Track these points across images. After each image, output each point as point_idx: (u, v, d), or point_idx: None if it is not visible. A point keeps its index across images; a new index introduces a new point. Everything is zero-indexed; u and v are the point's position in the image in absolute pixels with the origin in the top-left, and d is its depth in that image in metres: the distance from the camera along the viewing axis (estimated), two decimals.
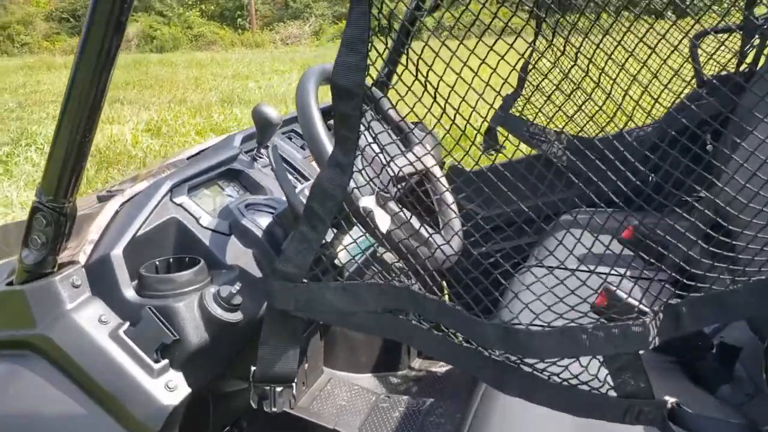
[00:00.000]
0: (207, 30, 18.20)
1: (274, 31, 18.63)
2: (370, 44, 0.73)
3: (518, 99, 2.04)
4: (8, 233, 1.43)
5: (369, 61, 0.74)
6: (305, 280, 0.82)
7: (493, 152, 2.09)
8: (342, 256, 0.99)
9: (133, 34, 17.77)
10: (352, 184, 0.79)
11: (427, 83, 0.74)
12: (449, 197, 1.31)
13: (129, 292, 0.95)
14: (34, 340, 0.91)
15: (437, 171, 1.37)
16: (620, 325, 0.68)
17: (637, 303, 0.74)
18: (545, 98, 1.95)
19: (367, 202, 0.85)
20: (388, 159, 0.80)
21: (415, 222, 0.97)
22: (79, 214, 1.10)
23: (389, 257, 1.19)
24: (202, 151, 1.38)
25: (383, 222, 0.87)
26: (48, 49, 17.07)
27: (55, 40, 17.81)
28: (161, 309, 0.92)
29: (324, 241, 0.81)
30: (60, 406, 0.91)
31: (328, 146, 0.98)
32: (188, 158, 1.34)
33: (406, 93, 0.75)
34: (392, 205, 0.90)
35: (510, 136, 2.00)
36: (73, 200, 0.90)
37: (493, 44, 0.72)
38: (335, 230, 1.00)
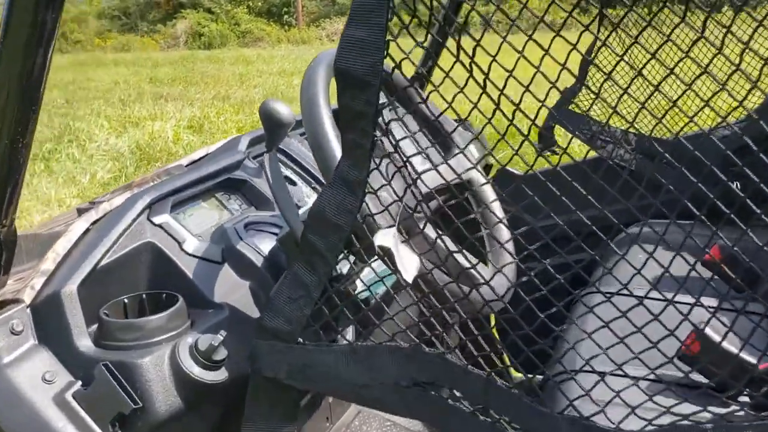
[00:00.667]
0: (254, 27, 18.20)
1: (321, 28, 18.54)
2: (391, 12, 0.51)
3: (578, 93, 1.81)
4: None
5: (389, 36, 0.51)
6: (301, 340, 0.60)
7: (548, 153, 1.85)
8: (351, 306, 0.76)
9: (182, 31, 17.91)
10: (366, 207, 0.56)
11: (473, 70, 0.52)
12: (498, 210, 1.06)
13: (83, 342, 0.76)
14: None
15: (480, 177, 1.13)
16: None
17: (735, 350, 0.57)
18: (612, 92, 1.71)
19: (385, 236, 0.61)
20: (416, 173, 0.58)
21: (458, 256, 0.74)
22: (46, 232, 0.90)
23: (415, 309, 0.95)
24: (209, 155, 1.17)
25: (409, 264, 0.63)
26: (99, 46, 17.31)
27: (107, 37, 18.06)
28: (121, 366, 0.72)
29: (325, 287, 0.59)
30: None
31: (338, 155, 0.75)
32: (188, 165, 1.13)
33: (441, 82, 0.52)
34: (422, 238, 0.67)
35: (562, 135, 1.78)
36: (8, 223, 0.70)
37: (559, 29, 0.52)
38: (341, 270, 0.78)
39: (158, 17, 18.82)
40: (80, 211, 0.99)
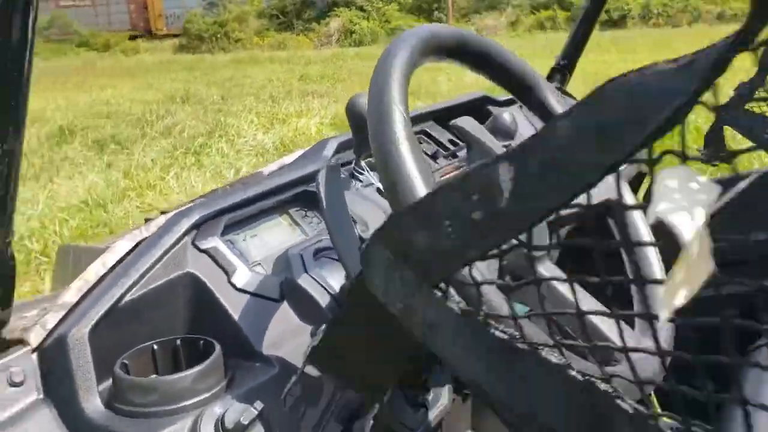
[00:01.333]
0: (404, 23, 18.24)
1: (470, 23, 18.26)
2: None
3: (757, 89, 1.49)
4: (77, 257, 1.14)
5: None
6: None
7: (714, 164, 1.52)
8: None
9: (334, 29, 18.35)
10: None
11: None
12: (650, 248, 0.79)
13: (92, 403, 0.62)
14: None
15: (629, 196, 0.88)
16: None
17: None
18: None
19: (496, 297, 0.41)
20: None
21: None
22: (101, 246, 0.78)
23: None
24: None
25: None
26: (258, 44, 18.13)
27: (265, 36, 18.87)
28: None
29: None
30: None
31: (417, 182, 0.53)
32: (269, 174, 0.99)
33: None
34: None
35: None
36: (1, 248, 0.57)
37: None
38: None
39: (313, 16, 19.40)
40: (147, 221, 0.87)
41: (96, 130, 6.35)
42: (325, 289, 0.70)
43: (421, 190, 0.50)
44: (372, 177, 0.79)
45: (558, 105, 0.75)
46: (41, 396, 0.63)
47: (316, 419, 0.65)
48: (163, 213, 0.90)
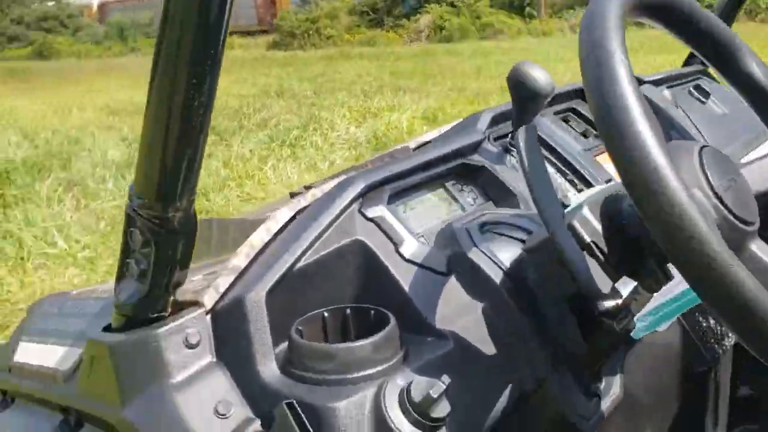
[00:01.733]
0: (495, 19, 18.02)
1: (563, 19, 17.83)
2: None
3: None
4: (222, 228, 1.13)
5: None
6: None
7: None
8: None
9: (424, 25, 18.33)
10: None
11: None
12: None
13: (268, 366, 0.61)
14: (119, 426, 0.61)
15: None
16: None
17: None
18: None
19: None
20: None
21: None
22: (253, 219, 0.78)
23: None
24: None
25: None
26: (348, 41, 18.34)
27: (355, 32, 19.07)
28: (309, 408, 0.57)
29: None
30: None
31: (651, 142, 0.47)
32: (415, 148, 0.96)
33: None
34: None
35: None
36: (186, 206, 0.58)
37: None
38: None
39: (403, 12, 19.44)
40: (292, 196, 0.87)
41: None
42: (496, 264, 0.67)
43: (656, 153, 0.45)
44: (518, 144, 0.75)
45: (765, 78, 0.69)
46: (214, 359, 0.63)
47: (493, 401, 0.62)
48: (307, 188, 0.89)
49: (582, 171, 0.95)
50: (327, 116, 6.87)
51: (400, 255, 0.70)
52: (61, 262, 3.45)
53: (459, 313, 0.66)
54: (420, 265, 0.69)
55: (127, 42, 21.73)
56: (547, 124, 1.02)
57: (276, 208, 0.78)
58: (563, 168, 0.96)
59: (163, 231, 0.58)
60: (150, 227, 0.58)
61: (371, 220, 0.71)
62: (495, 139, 0.93)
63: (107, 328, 0.67)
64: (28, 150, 6.14)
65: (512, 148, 0.90)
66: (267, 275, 0.64)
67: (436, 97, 7.89)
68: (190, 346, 0.62)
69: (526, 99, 0.83)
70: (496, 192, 0.85)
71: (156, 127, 0.54)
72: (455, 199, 0.85)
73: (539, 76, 0.82)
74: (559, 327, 0.65)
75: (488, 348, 0.65)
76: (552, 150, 0.97)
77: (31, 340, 0.90)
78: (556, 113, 1.08)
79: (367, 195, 0.73)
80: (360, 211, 0.72)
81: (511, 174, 0.87)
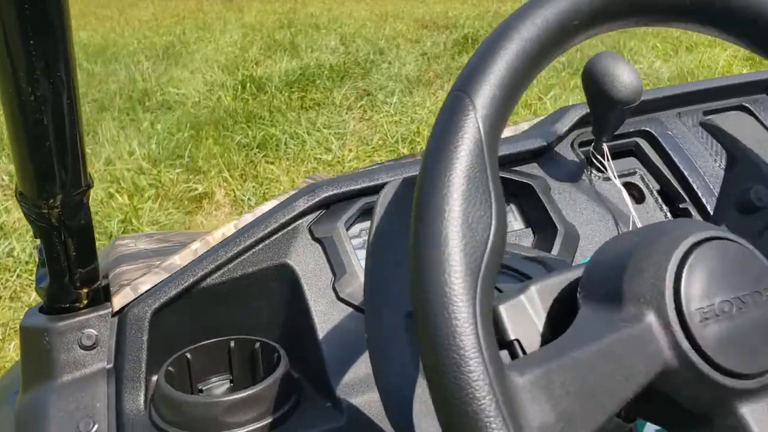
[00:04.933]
0: None
1: None
2: None
3: None
4: None
5: None
6: None
7: None
8: None
9: None
10: None
11: None
12: None
13: (133, 402, 0.56)
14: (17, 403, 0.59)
15: None
16: None
17: None
18: None
19: None
20: None
21: None
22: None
23: None
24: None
25: None
26: None
27: None
28: None
29: None
30: None
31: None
32: None
33: None
34: None
35: None
36: (67, 201, 0.53)
37: None
38: None
39: None
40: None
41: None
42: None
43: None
44: (613, 169, 0.59)
45: None
46: (109, 365, 0.58)
47: None
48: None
49: (703, 199, 0.73)
50: (634, 45, 6.26)
51: (335, 291, 0.58)
52: (330, 170, 3.78)
53: (371, 382, 0.55)
54: (356, 307, 0.57)
55: None
56: (683, 130, 0.79)
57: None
58: (678, 190, 0.75)
59: (44, 226, 0.54)
60: (33, 221, 0.54)
61: (318, 240, 0.60)
62: (580, 145, 0.75)
63: (42, 308, 0.63)
64: (340, 56, 6.67)
65: (595, 161, 0.72)
66: (166, 288, 0.58)
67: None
68: (84, 347, 0.58)
69: (603, 106, 0.67)
70: (538, 216, 0.67)
71: (14, 127, 0.48)
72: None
73: (622, 76, 0.63)
74: None
75: (386, 428, 0.54)
76: (671, 163, 0.76)
77: None
78: (678, 114, 0.80)
79: (333, 207, 0.61)
80: (310, 228, 0.61)
81: (580, 198, 0.69)
